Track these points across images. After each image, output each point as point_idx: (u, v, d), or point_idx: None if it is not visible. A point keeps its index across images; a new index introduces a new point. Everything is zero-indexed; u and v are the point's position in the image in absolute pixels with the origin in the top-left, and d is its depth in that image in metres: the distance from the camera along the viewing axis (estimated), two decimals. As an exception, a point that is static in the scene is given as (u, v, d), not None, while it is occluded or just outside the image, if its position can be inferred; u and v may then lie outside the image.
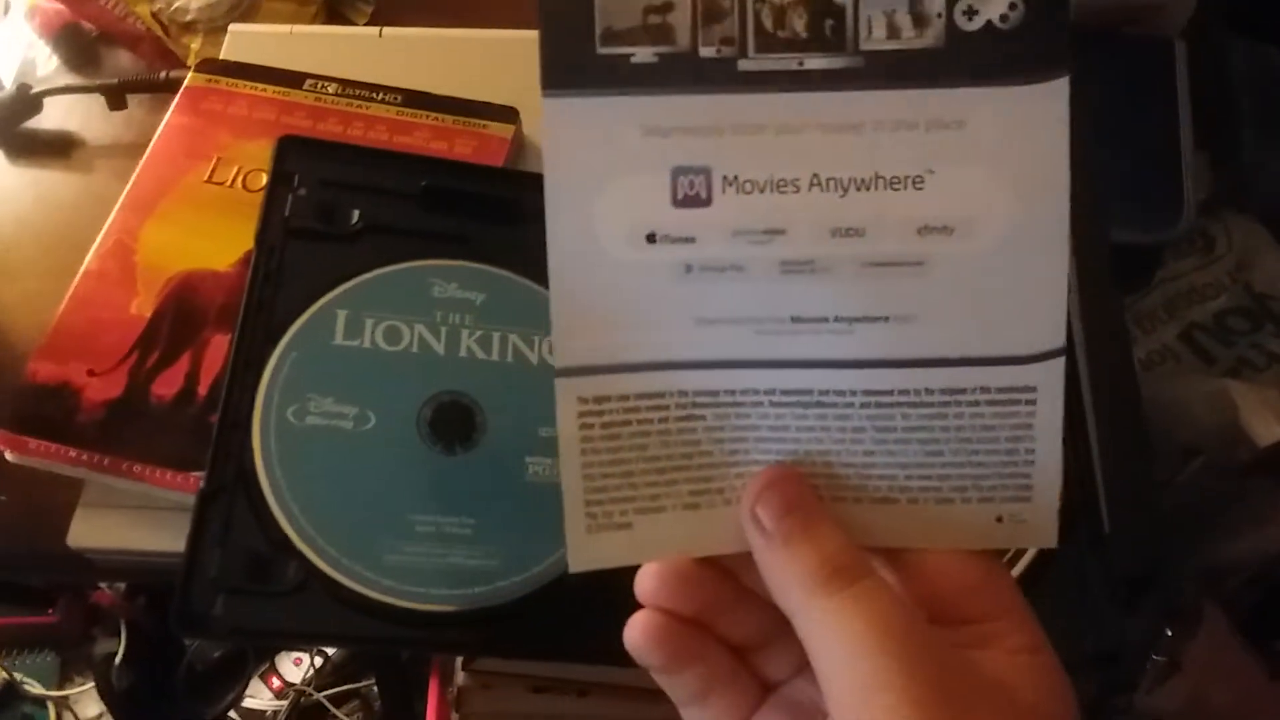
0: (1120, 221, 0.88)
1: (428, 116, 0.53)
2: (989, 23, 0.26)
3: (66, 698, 1.04)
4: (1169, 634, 0.82)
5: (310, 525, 0.40)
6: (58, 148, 0.61)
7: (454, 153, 0.52)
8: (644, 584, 0.29)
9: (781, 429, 0.28)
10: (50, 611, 1.02)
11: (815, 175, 0.27)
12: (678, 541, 0.29)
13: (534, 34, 0.61)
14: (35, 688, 1.03)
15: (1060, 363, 0.28)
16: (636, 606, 0.37)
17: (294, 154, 0.48)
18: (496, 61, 0.57)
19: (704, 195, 0.27)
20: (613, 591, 0.41)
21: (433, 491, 0.42)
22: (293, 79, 0.54)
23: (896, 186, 0.27)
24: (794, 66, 0.27)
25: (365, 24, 0.63)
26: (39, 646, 1.05)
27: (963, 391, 0.28)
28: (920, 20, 0.27)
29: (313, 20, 0.62)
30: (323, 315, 0.45)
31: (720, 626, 0.29)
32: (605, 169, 0.27)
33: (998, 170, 0.27)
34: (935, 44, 0.27)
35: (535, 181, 0.51)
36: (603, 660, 0.48)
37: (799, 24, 0.27)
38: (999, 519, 0.28)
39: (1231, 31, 1.00)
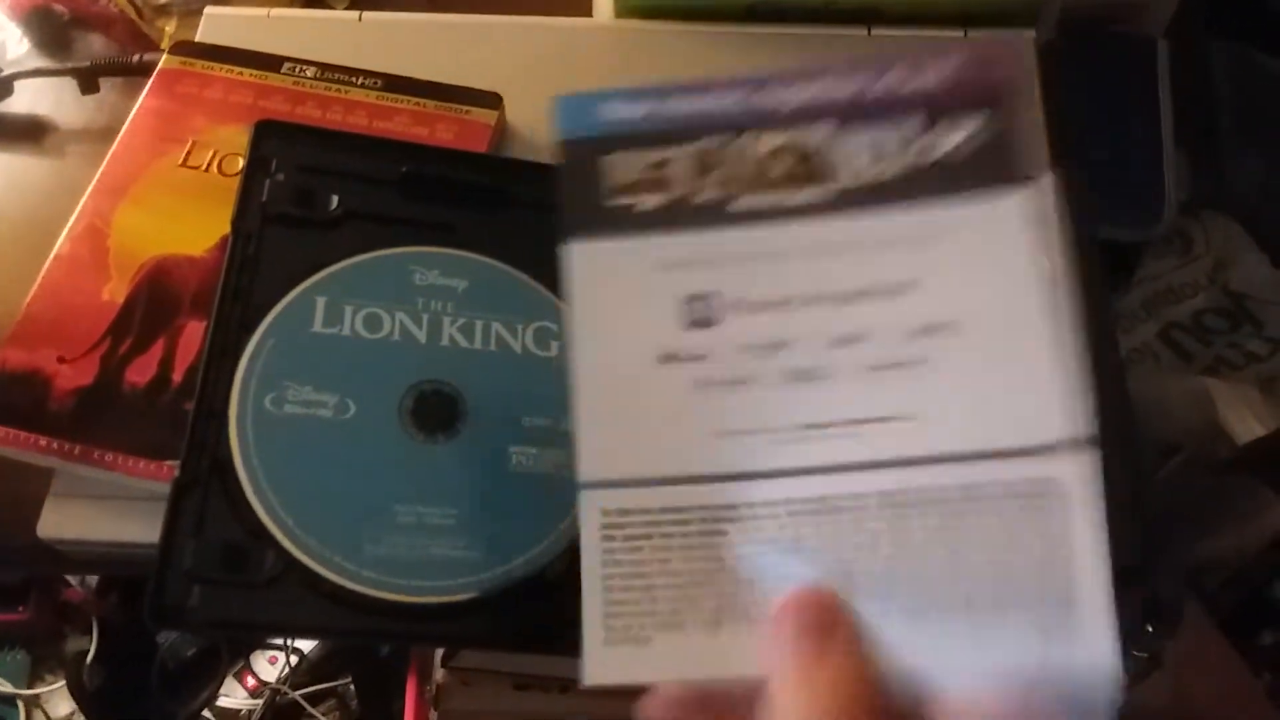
0: (1102, 219, 0.88)
1: (408, 101, 0.52)
2: (953, 148, 0.30)
3: (37, 696, 1.02)
4: (1150, 630, 0.82)
5: (288, 515, 0.39)
6: (28, 132, 0.60)
7: (435, 138, 0.51)
8: (650, 710, 0.28)
9: (800, 541, 0.28)
10: (21, 609, 1.01)
11: (810, 292, 0.30)
12: (698, 662, 0.28)
13: (517, 19, 0.60)
14: (5, 686, 1.01)
15: (1091, 456, 0.27)
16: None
17: (272, 138, 0.47)
18: (478, 47, 0.56)
19: (711, 318, 0.30)
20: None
21: (414, 481, 0.41)
22: (270, 62, 0.53)
23: (888, 295, 0.29)
24: (780, 202, 0.30)
25: (344, 8, 0.62)
26: (9, 644, 1.03)
27: (980, 487, 0.27)
28: (887, 155, 0.30)
29: (290, 4, 0.61)
30: (301, 302, 0.44)
31: None
32: (622, 302, 0.30)
33: (978, 273, 0.29)
34: (904, 172, 0.30)
35: (519, 168, 0.51)
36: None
37: (780, 168, 0.30)
38: (1042, 632, 0.27)
39: (1211, 33, 1.01)
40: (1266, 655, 0.90)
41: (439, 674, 0.59)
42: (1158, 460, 0.90)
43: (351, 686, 1.04)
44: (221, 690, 1.02)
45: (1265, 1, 1.00)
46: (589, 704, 0.60)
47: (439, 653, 0.58)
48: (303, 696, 1.03)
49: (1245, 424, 0.91)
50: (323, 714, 1.04)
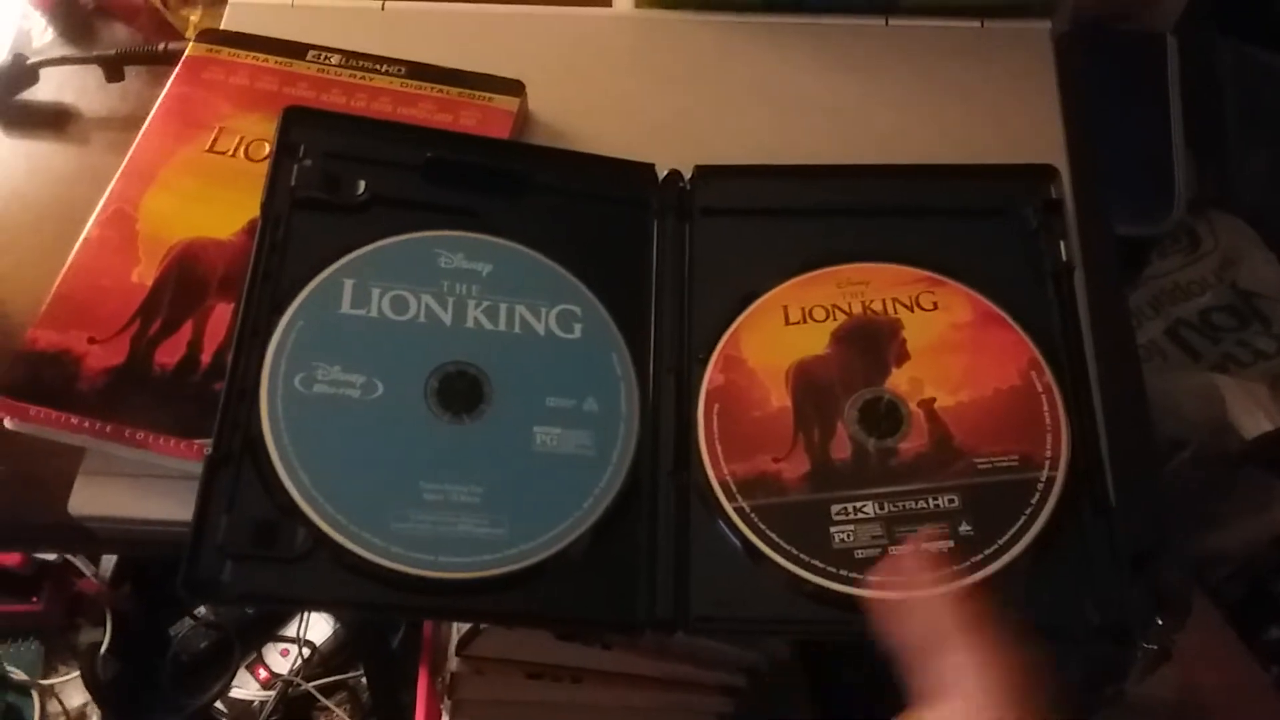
0: (1114, 215, 0.89)
1: (432, 89, 0.52)
2: None
3: (51, 686, 1.03)
4: (1159, 623, 0.82)
5: (318, 492, 0.40)
6: (53, 119, 0.60)
7: (459, 125, 0.51)
8: None
9: None
10: (35, 600, 1.01)
11: None
12: None
13: (538, 8, 0.61)
14: (20, 676, 1.02)
15: None
16: (644, 574, 0.37)
17: (300, 125, 0.47)
18: (501, 35, 0.56)
19: None
20: (618, 560, 0.41)
21: (440, 460, 0.42)
22: (295, 50, 0.53)
23: None
24: None
25: (367, -1, 0.63)
26: (23, 635, 1.04)
27: None
28: None
29: (314, -6, 0.62)
30: (329, 284, 0.44)
31: None
32: None
33: None
34: None
35: (541, 154, 0.52)
36: (607, 630, 0.48)
37: None
38: None
39: (1218, 32, 1.02)
40: (1274, 649, 0.90)
41: (453, 663, 0.59)
42: (1166, 455, 0.90)
43: (363, 679, 1.04)
44: (234, 682, 1.03)
45: (1272, 1, 1.00)
46: (601, 694, 0.60)
47: (453, 643, 0.59)
48: (315, 688, 1.03)
49: (1253, 419, 0.92)
50: (335, 705, 1.04)
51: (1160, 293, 1.06)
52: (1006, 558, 0.40)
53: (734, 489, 0.42)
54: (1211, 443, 0.91)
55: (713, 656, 0.60)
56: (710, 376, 0.45)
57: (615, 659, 0.57)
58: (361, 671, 1.05)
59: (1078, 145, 0.51)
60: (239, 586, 0.38)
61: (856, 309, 0.46)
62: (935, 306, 0.46)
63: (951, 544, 0.40)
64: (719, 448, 0.43)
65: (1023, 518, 0.41)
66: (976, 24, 0.56)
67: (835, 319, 0.46)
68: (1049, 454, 0.42)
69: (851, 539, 0.41)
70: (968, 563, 0.40)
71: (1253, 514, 0.91)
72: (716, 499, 0.42)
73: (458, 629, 0.57)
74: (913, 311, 0.46)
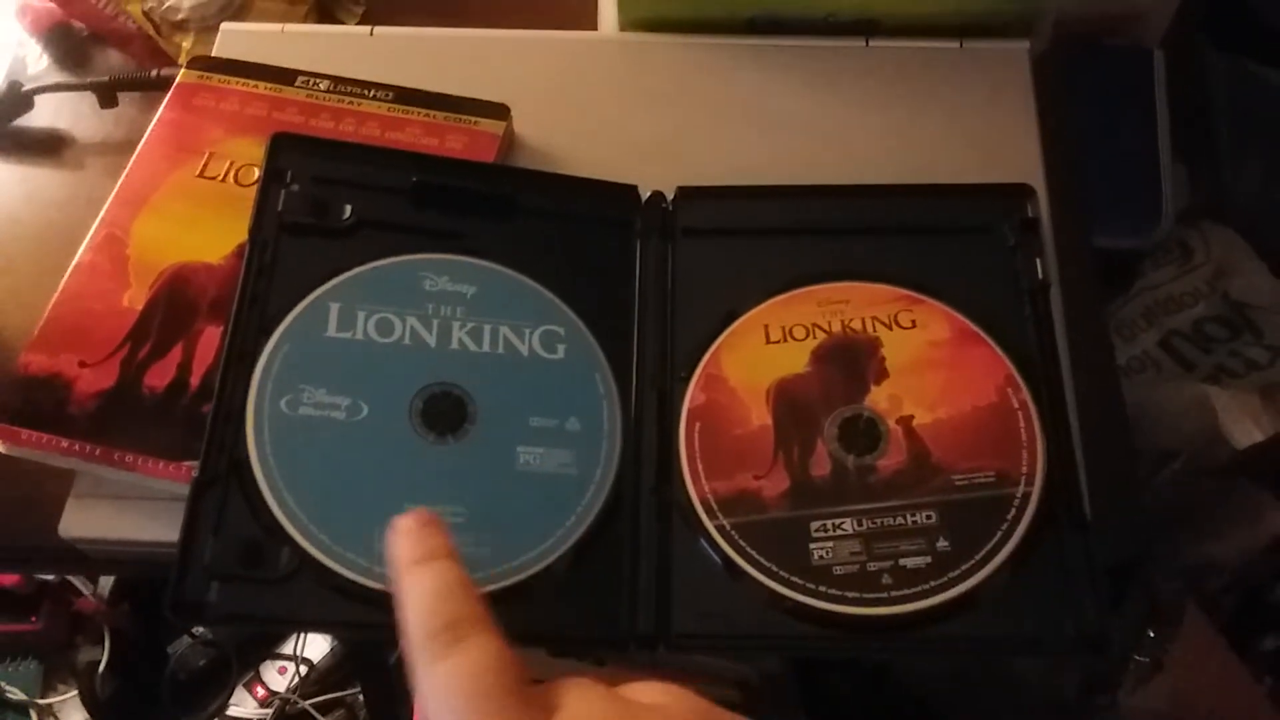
0: (1101, 227, 0.89)
1: (419, 113, 0.53)
2: None
3: (50, 706, 1.03)
4: (1151, 634, 0.82)
5: (303, 513, 0.40)
6: (48, 145, 0.61)
7: (445, 149, 0.52)
8: None
9: None
10: (33, 619, 1.01)
11: None
12: None
13: (524, 33, 0.61)
14: (18, 695, 1.02)
15: None
16: (626, 591, 0.38)
17: (287, 150, 0.48)
18: (486, 60, 0.57)
19: None
20: (601, 577, 0.42)
21: (425, 480, 0.42)
22: (285, 76, 0.54)
23: None
24: None
25: (356, 24, 0.64)
26: (22, 654, 1.04)
27: None
28: None
29: (304, 20, 0.63)
30: (316, 308, 0.45)
31: None
32: None
33: None
34: None
35: (525, 177, 0.52)
36: (592, 648, 0.48)
37: None
38: None
39: (1209, 45, 1.02)
40: (1268, 660, 0.91)
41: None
42: (1157, 466, 0.91)
43: (360, 697, 1.04)
44: (232, 700, 1.03)
45: (1261, 14, 1.01)
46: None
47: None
48: (312, 706, 1.04)
49: (1245, 429, 0.92)
50: (331, 724, 1.04)
51: (1153, 304, 1.06)
52: (983, 573, 0.41)
53: (715, 506, 0.43)
54: (1203, 453, 0.91)
55: (703, 669, 0.60)
56: (692, 395, 0.45)
57: (609, 675, 0.57)
58: (359, 689, 1.05)
59: (1055, 163, 0.52)
60: (225, 607, 0.39)
61: (836, 327, 0.47)
62: (914, 324, 0.47)
63: (929, 560, 0.41)
64: (700, 465, 0.44)
65: (999, 533, 0.41)
66: (955, 44, 0.56)
67: (815, 337, 0.46)
68: (1025, 470, 0.43)
69: (830, 556, 0.41)
70: (945, 578, 0.41)
71: (1245, 525, 0.92)
72: (697, 516, 0.43)
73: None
74: (891, 330, 0.46)
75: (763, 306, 0.47)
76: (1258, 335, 1.04)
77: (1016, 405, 0.44)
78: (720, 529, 0.42)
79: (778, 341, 0.46)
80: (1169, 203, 0.90)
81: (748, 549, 0.42)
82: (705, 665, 0.60)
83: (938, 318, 0.47)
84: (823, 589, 0.41)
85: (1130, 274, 1.03)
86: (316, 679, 1.06)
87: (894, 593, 0.40)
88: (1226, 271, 1.06)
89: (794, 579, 0.41)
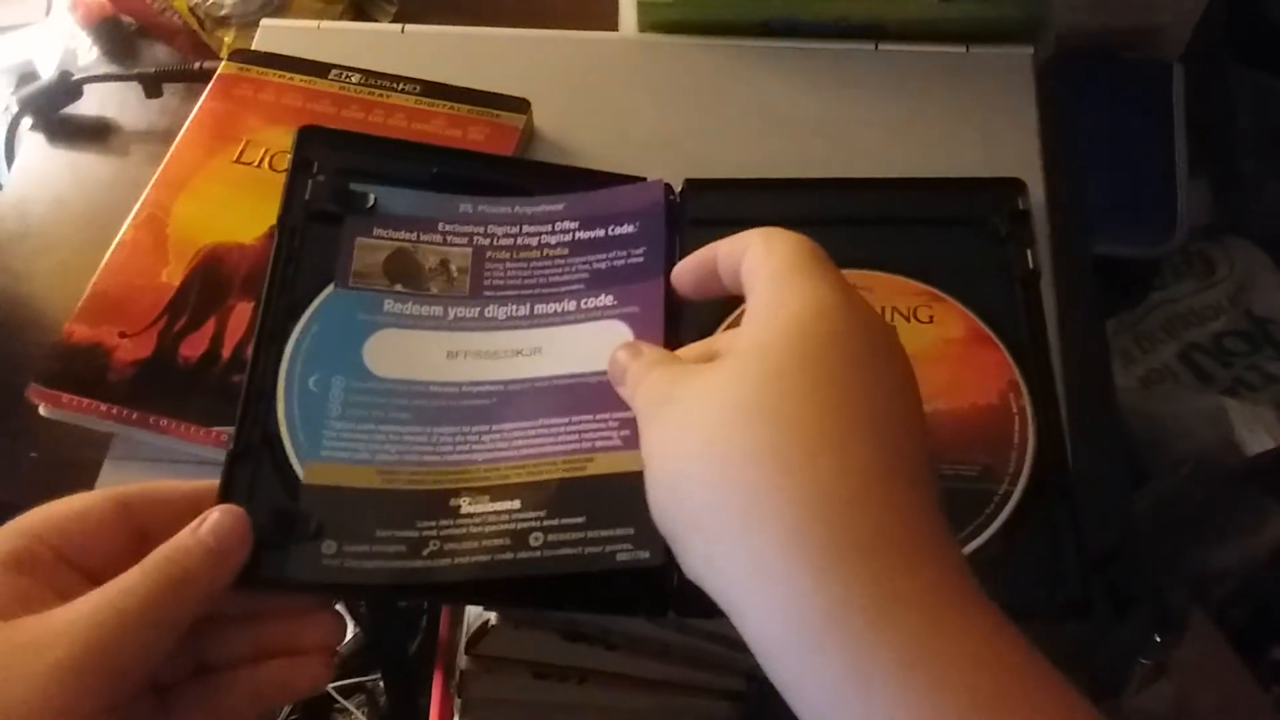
0: (1117, 237, 0.90)
1: (444, 106, 0.56)
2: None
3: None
4: (1156, 640, 0.83)
5: None
6: (95, 132, 0.64)
7: (467, 140, 0.55)
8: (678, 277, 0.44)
9: None
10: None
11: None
12: None
13: (546, 33, 0.63)
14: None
15: None
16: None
17: (314, 142, 0.50)
18: (511, 58, 0.60)
19: None
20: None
21: None
22: (319, 69, 0.57)
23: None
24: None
25: (389, 21, 0.67)
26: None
27: None
28: None
29: (339, 17, 0.66)
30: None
31: None
32: None
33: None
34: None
35: (540, 169, 0.54)
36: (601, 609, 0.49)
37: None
38: None
39: (1231, 59, 1.03)
40: (1276, 670, 0.91)
41: (462, 661, 0.61)
42: (1169, 473, 0.91)
43: (380, 683, 1.07)
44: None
45: (1282, 29, 1.01)
46: (604, 694, 0.62)
47: (463, 642, 0.60)
48: (333, 689, 1.06)
49: (1260, 441, 0.93)
50: (354, 707, 1.06)
51: (1173, 316, 1.07)
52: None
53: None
54: (1214, 460, 0.92)
55: (713, 660, 0.61)
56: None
57: (619, 660, 0.59)
58: (379, 675, 1.07)
59: (1053, 164, 0.54)
60: (258, 571, 0.41)
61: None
62: (931, 320, 0.48)
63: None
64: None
65: (972, 526, 0.42)
66: (961, 49, 0.58)
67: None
68: (1011, 470, 0.44)
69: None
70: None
71: (1251, 531, 0.92)
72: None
73: (468, 630, 0.59)
74: (909, 322, 0.48)
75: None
76: (1277, 349, 1.04)
77: (1015, 410, 0.45)
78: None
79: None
80: (1184, 214, 0.91)
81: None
82: (716, 655, 0.61)
83: (955, 317, 0.48)
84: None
85: (1146, 285, 1.03)
86: (338, 664, 1.08)
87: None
88: (1248, 286, 1.06)
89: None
